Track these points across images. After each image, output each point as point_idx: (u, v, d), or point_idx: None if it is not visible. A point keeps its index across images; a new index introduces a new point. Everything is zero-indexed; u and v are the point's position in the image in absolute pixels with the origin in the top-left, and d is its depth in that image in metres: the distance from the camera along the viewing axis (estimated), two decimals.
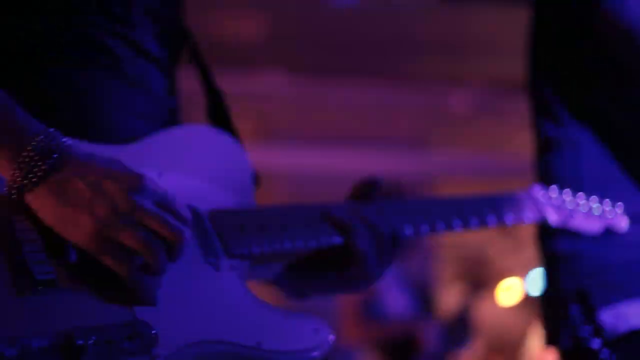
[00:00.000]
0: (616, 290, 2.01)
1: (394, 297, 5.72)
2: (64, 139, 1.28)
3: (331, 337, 1.42)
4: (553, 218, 1.92)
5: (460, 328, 5.74)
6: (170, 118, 1.68)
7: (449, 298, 7.05)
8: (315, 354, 1.40)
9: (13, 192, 1.26)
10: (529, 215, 1.88)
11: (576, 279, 2.06)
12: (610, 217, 1.98)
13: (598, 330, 2.00)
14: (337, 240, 1.59)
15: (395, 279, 5.80)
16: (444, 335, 5.46)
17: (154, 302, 1.29)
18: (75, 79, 1.52)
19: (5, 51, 1.48)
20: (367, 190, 1.71)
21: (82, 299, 1.26)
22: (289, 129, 8.00)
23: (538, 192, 1.93)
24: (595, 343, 1.99)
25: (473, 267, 7.51)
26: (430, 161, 7.97)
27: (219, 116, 1.78)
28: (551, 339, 2.11)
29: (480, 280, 5.95)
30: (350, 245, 1.58)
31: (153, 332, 1.25)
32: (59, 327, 1.19)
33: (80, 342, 1.18)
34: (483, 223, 1.80)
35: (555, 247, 2.10)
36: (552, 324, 2.13)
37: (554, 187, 1.95)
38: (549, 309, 2.16)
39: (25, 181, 1.24)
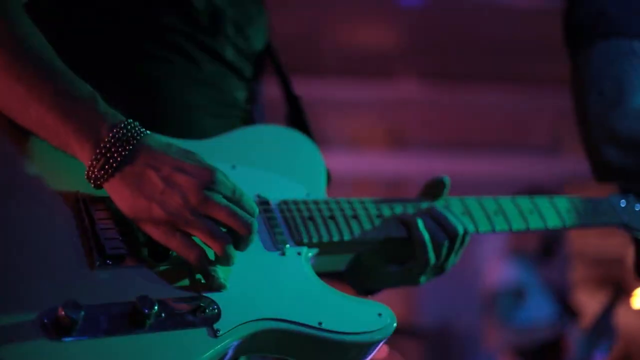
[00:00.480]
0: None
1: (536, 303, 5.66)
2: (142, 130, 1.37)
3: (394, 323, 1.47)
4: (630, 223, 1.96)
5: (602, 333, 5.62)
6: (246, 120, 1.80)
7: (590, 303, 6.90)
8: (377, 336, 1.45)
9: (91, 180, 1.35)
10: (606, 220, 1.94)
11: None
12: None
13: None
14: (400, 232, 1.66)
15: (537, 285, 5.74)
16: (586, 341, 5.37)
17: (220, 288, 1.37)
18: (152, 76, 1.65)
19: (96, 48, 1.62)
20: (436, 189, 1.77)
21: (150, 274, 1.36)
22: (423, 136, 8.01)
23: (617, 199, 1.98)
24: None
25: (614, 272, 7.33)
26: (566, 166, 7.83)
27: (297, 119, 1.90)
28: None
29: (622, 285, 5.82)
30: (411, 238, 1.65)
31: (215, 307, 1.34)
32: (126, 296, 1.29)
33: (145, 310, 1.26)
34: (559, 223, 1.85)
35: None
36: None
37: (632, 195, 1.99)
38: None
39: (102, 171, 1.34)
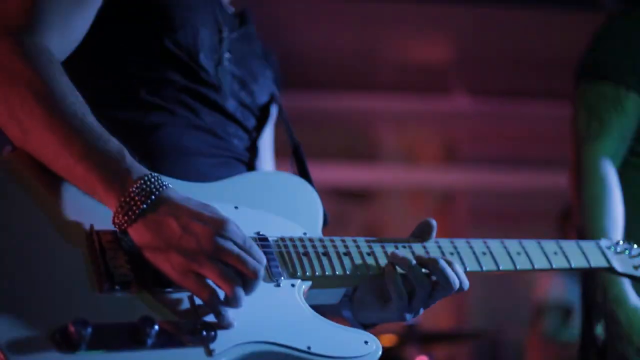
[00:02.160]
0: None
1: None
2: (165, 183, 1.53)
3: (379, 351, 1.58)
4: (619, 267, 2.04)
5: None
6: (246, 166, 1.94)
7: None
8: None
9: (116, 225, 1.52)
10: (595, 264, 2.00)
11: None
12: None
13: None
14: (380, 273, 1.75)
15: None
16: None
17: (229, 326, 1.50)
18: (148, 122, 1.78)
19: (109, 104, 1.76)
20: (424, 231, 1.85)
21: (153, 299, 1.50)
22: (474, 150, 8.06)
23: (606, 243, 2.06)
24: None
25: None
26: None
27: (299, 165, 2.03)
28: None
29: None
30: (387, 284, 1.74)
31: (212, 330, 1.48)
32: (130, 318, 1.43)
33: (147, 329, 1.40)
34: (549, 264, 1.93)
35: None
36: None
37: (620, 240, 2.09)
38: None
39: (125, 217, 1.50)
